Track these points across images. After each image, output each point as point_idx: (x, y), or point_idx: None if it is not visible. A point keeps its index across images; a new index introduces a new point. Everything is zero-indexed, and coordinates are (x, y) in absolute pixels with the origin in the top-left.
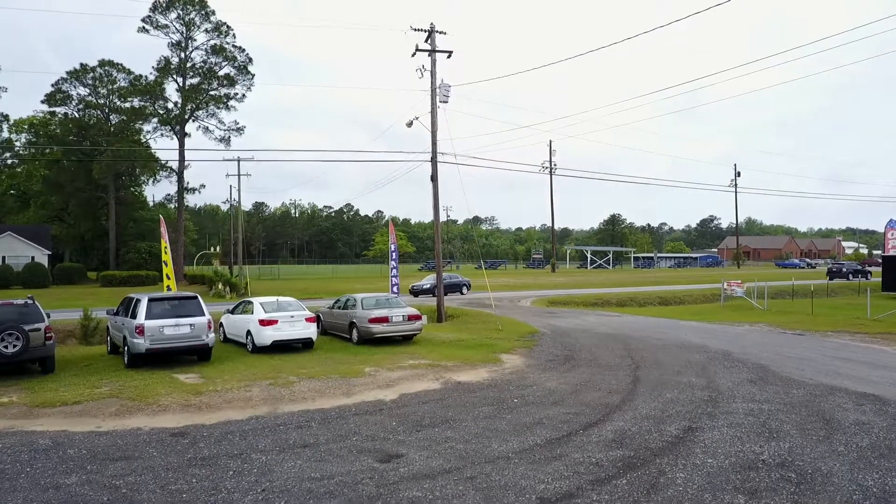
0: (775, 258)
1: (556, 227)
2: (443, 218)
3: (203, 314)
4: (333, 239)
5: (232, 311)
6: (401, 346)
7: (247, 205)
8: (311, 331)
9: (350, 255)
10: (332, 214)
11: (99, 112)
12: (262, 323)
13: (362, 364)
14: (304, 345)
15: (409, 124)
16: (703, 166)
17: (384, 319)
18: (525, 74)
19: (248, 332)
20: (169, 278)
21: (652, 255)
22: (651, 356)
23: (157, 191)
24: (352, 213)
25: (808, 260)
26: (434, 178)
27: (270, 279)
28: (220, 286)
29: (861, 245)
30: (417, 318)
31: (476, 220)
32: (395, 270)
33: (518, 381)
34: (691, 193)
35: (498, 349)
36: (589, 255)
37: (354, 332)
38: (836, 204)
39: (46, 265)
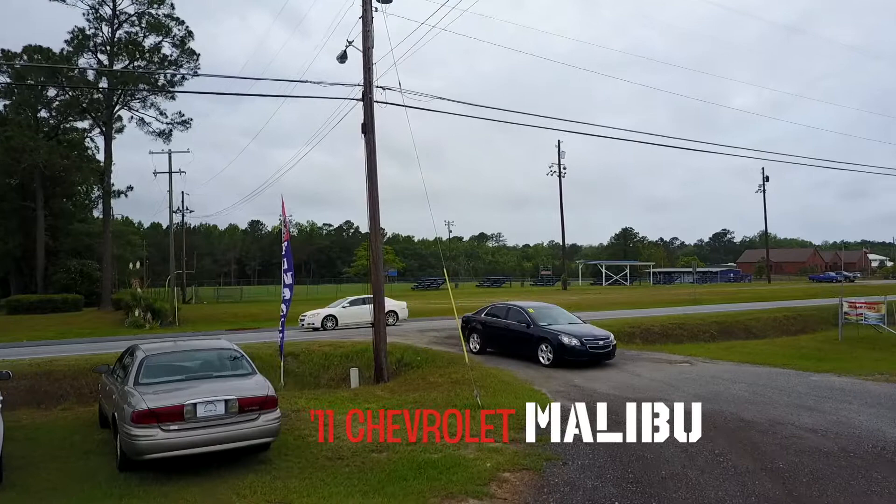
0: (801, 271)
1: (565, 242)
2: (445, 234)
3: None
4: (332, 258)
5: None
6: (231, 471)
7: (242, 223)
8: None
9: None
10: (332, 232)
11: (26, 110)
12: None
13: None
14: None
15: (342, 57)
16: (722, 174)
17: (172, 414)
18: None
19: None
20: None
21: (690, 268)
22: None
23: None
24: (352, 230)
25: (845, 273)
26: (368, 129)
27: (230, 302)
28: (137, 313)
29: (884, 258)
30: (266, 405)
31: (482, 237)
32: (288, 292)
33: None
34: (703, 208)
35: (457, 489)
36: (604, 271)
37: (120, 439)
38: (850, 217)
39: None
